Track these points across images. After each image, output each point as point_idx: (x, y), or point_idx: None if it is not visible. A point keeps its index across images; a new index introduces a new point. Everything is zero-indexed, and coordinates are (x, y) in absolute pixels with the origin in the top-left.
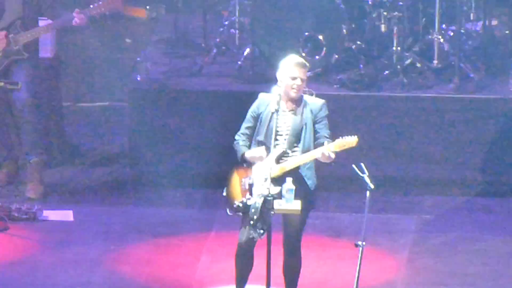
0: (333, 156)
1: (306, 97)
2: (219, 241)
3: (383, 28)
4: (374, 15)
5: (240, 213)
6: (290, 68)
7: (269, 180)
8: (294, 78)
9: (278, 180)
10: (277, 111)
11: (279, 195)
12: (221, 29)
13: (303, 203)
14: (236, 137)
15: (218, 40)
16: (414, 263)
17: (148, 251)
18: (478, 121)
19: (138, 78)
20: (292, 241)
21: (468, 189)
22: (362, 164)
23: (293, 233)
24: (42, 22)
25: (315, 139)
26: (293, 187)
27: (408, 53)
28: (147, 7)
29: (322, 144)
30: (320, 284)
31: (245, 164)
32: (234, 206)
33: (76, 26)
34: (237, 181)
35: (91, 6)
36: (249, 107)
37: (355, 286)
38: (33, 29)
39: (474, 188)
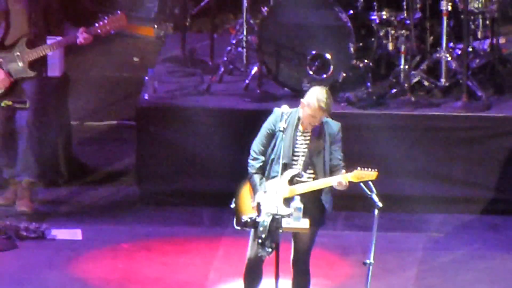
0: (347, 185)
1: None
2: (227, 258)
3: (390, 46)
4: (381, 34)
5: (247, 229)
6: (313, 109)
7: (279, 201)
8: (313, 117)
9: (288, 201)
10: (296, 132)
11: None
12: (228, 48)
13: (315, 224)
14: (252, 156)
15: (225, 58)
16: (422, 281)
17: (157, 269)
18: (486, 139)
19: (146, 97)
20: (302, 260)
21: (475, 206)
22: (370, 183)
23: (303, 252)
24: (49, 41)
25: (330, 159)
26: (301, 205)
27: (415, 72)
28: (155, 25)
29: (336, 167)
30: None
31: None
32: (242, 221)
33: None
34: (246, 195)
35: (96, 24)
36: (256, 125)
37: None
38: (38, 47)
39: (481, 205)
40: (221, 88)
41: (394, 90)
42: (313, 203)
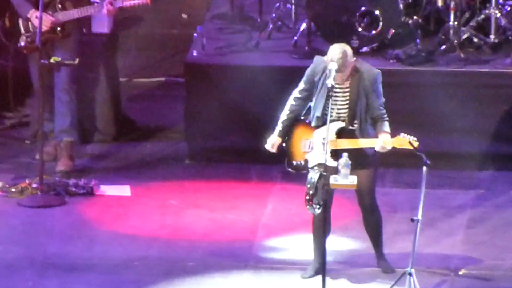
0: (390, 147)
1: (360, 65)
2: (276, 216)
3: (440, 2)
4: None
5: (296, 171)
6: (331, 65)
7: (328, 152)
8: (336, 71)
9: (335, 154)
10: (333, 86)
11: (335, 170)
12: (277, 5)
13: (367, 164)
14: (290, 101)
15: (274, 15)
16: (470, 238)
17: (205, 226)
18: None
19: (194, 54)
20: (366, 200)
21: None
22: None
23: (367, 193)
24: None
25: (369, 109)
26: (350, 162)
27: (465, 28)
28: None
29: (377, 117)
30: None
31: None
32: (294, 164)
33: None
34: (298, 139)
35: None
36: None
37: (411, 261)
38: (69, 10)
39: None
40: (269, 45)
41: (444, 47)
42: (357, 149)
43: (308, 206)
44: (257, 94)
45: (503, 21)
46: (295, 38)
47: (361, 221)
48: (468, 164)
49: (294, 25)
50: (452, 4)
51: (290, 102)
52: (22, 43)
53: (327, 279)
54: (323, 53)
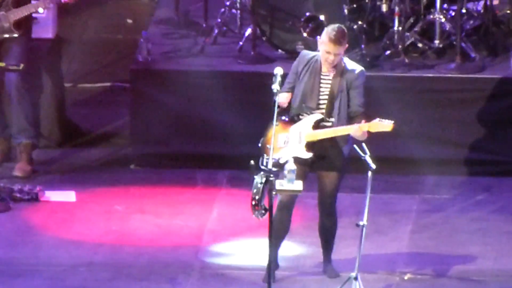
0: (366, 135)
1: (346, 61)
2: (221, 220)
3: (384, 8)
4: None
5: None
6: (325, 43)
7: (303, 144)
8: (328, 52)
9: (311, 146)
10: (317, 74)
11: (311, 165)
12: (222, 10)
13: (337, 169)
14: (277, 98)
15: (219, 20)
16: (415, 242)
17: (151, 231)
18: (479, 101)
19: (140, 59)
20: (327, 203)
21: (469, 168)
22: (364, 144)
23: (328, 196)
24: (34, 1)
25: (349, 106)
26: (295, 168)
27: (409, 33)
28: None
29: (355, 113)
30: (321, 264)
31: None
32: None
33: (67, 3)
34: (274, 135)
35: None
36: (250, 88)
37: (356, 266)
38: (24, 6)
39: (475, 167)
40: (215, 50)
41: (388, 52)
42: (332, 149)
43: (254, 211)
44: (203, 99)
45: (448, 26)
46: (241, 43)
47: (307, 226)
48: (413, 169)
49: (240, 30)
50: (397, 9)
51: (277, 99)
52: None
53: (273, 285)
54: (269, 58)
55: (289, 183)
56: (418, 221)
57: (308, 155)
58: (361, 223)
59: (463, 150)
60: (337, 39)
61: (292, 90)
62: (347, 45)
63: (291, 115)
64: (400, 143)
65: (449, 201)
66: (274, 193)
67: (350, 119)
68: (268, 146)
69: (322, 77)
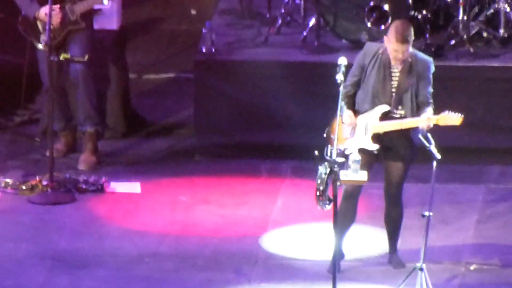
0: (431, 125)
1: (414, 52)
2: (286, 211)
3: None
4: None
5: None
6: (393, 42)
7: (369, 135)
8: (396, 51)
9: (377, 137)
10: (386, 68)
11: (377, 155)
12: (286, 0)
13: (405, 158)
14: (342, 89)
15: (283, 10)
16: (480, 232)
17: (215, 222)
18: None
19: (203, 50)
20: (393, 192)
21: None
22: (428, 134)
23: (394, 185)
24: None
25: (417, 95)
26: (359, 158)
27: (474, 23)
28: None
29: (423, 103)
30: (387, 254)
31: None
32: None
33: None
34: (339, 125)
35: None
36: (314, 77)
37: (422, 256)
38: (82, 1)
39: None
40: (278, 40)
41: (453, 41)
42: (401, 139)
43: (318, 202)
44: (267, 89)
45: None
46: (304, 33)
47: (372, 216)
48: (478, 159)
49: (303, 20)
50: None
51: (341, 91)
52: (42, 42)
53: (338, 275)
54: (332, 48)
55: (354, 174)
56: (483, 211)
57: (375, 146)
58: (426, 213)
59: None
60: (404, 38)
61: (356, 83)
62: (413, 38)
63: (354, 104)
64: (465, 132)
65: None
66: (338, 183)
67: (418, 109)
68: (332, 136)
69: (391, 70)
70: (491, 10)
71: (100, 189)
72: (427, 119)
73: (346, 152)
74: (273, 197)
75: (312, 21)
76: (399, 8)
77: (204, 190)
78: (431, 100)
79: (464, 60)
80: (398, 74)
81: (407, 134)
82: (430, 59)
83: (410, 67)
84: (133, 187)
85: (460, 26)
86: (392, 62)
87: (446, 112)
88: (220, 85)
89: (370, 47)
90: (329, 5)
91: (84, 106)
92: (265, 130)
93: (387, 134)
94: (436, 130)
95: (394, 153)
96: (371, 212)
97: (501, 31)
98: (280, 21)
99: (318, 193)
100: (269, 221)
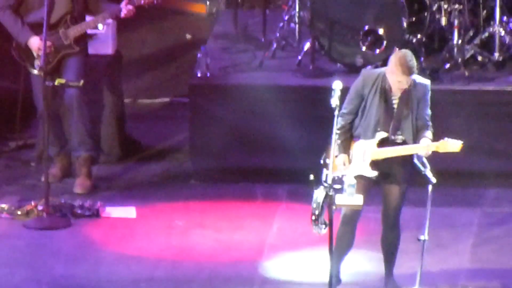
0: (430, 153)
1: (414, 77)
2: (282, 235)
3: (443, 21)
4: (434, 8)
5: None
6: (398, 74)
7: (367, 162)
8: (400, 82)
9: (376, 164)
10: (385, 96)
11: (375, 181)
12: (281, 24)
13: (404, 181)
14: (340, 113)
15: (277, 34)
16: (476, 256)
17: (210, 246)
18: None
19: (198, 74)
20: (391, 216)
21: None
22: (424, 158)
23: (393, 208)
24: (88, 18)
25: (418, 120)
26: (354, 182)
27: (469, 46)
28: (207, 2)
29: (422, 126)
30: (383, 278)
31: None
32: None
33: (125, 18)
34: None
35: None
36: (309, 101)
37: (418, 280)
38: (82, 22)
39: None
40: (273, 64)
41: (448, 65)
42: (398, 164)
43: (314, 226)
44: (262, 113)
45: (507, 39)
46: (299, 57)
47: (368, 240)
48: (474, 182)
49: (298, 44)
50: (456, 22)
51: (339, 121)
52: (37, 67)
53: None
54: (327, 72)
55: (349, 197)
56: (480, 234)
57: (373, 173)
58: (422, 237)
59: None
60: (409, 71)
61: (355, 112)
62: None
63: (352, 132)
64: (461, 156)
65: (510, 214)
66: (334, 207)
67: (418, 132)
68: (328, 162)
69: (390, 97)
70: (486, 34)
71: (95, 214)
72: (426, 146)
73: (344, 179)
74: (269, 221)
75: (307, 45)
76: (394, 32)
77: (199, 214)
78: (430, 123)
79: (459, 84)
80: (397, 100)
81: (408, 159)
82: (428, 82)
83: (410, 93)
84: (128, 211)
85: (455, 50)
86: (393, 91)
87: (446, 139)
88: (215, 109)
89: (368, 75)
90: (324, 29)
91: (78, 131)
92: (260, 154)
93: (386, 160)
94: (432, 153)
95: (392, 178)
96: (367, 235)
97: (496, 54)
98: (275, 45)
99: (313, 217)
100: (265, 245)
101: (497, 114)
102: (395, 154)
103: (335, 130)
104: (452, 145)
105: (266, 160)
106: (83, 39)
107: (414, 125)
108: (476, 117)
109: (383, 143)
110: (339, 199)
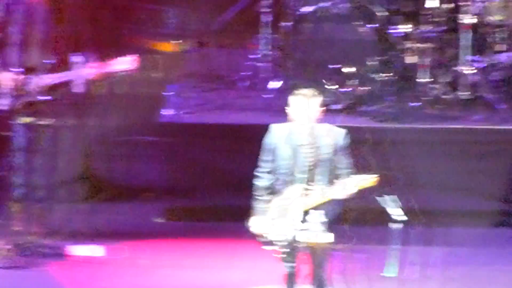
0: (354, 192)
1: (327, 126)
2: (247, 273)
3: (410, 60)
4: (401, 47)
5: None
6: (297, 103)
7: (297, 219)
8: (305, 110)
9: (305, 214)
10: (295, 145)
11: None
12: (249, 63)
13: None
14: (259, 174)
15: (246, 73)
16: None
17: (178, 285)
18: (505, 152)
19: (166, 113)
20: (317, 272)
21: (497, 219)
22: (396, 196)
23: (317, 265)
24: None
25: (336, 169)
26: (326, 220)
27: (435, 85)
28: (175, 41)
29: (343, 175)
30: None
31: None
32: (263, 239)
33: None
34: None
35: (109, 62)
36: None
37: None
38: (58, 73)
39: (503, 218)
40: (242, 103)
41: (415, 104)
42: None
43: (283, 263)
44: (231, 152)
45: (474, 78)
46: (267, 95)
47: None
48: (441, 220)
49: (266, 83)
50: (423, 61)
51: (257, 181)
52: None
53: None
54: None
55: (319, 236)
56: (444, 273)
57: (304, 226)
58: (388, 275)
59: (490, 202)
60: (307, 93)
61: (273, 168)
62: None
63: (273, 186)
64: (427, 194)
65: (478, 253)
66: (303, 246)
67: (336, 179)
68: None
69: (301, 146)
70: (452, 73)
71: (62, 254)
72: (343, 189)
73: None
74: (235, 259)
75: (275, 84)
76: (361, 71)
77: (168, 253)
78: (351, 170)
79: (426, 123)
80: (311, 148)
81: (326, 210)
82: (343, 130)
83: (328, 139)
84: (95, 250)
85: (422, 89)
86: (302, 139)
87: (358, 175)
88: (184, 147)
89: (276, 128)
90: (293, 68)
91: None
92: (230, 192)
93: (306, 212)
94: (400, 192)
95: (313, 233)
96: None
97: (462, 93)
98: (243, 84)
99: (283, 257)
100: (231, 284)
101: (463, 153)
102: (316, 203)
103: (255, 190)
104: (364, 179)
105: (235, 198)
106: (57, 87)
107: (331, 172)
108: (443, 155)
109: (304, 193)
110: (308, 238)
